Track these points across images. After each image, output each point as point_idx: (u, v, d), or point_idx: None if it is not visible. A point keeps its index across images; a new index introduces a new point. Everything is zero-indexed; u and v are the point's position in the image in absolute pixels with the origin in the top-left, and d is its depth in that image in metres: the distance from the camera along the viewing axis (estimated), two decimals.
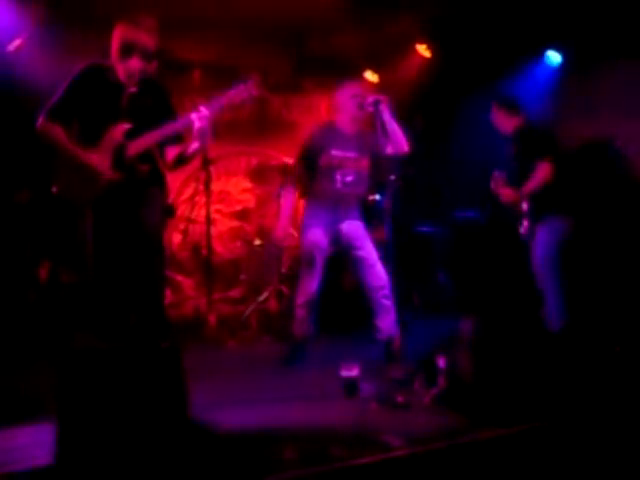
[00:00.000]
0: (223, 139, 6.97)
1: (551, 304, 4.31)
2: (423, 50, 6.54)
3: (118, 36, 3.24)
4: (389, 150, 4.02)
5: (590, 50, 5.65)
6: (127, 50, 3.22)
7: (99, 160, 3.19)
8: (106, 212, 3.25)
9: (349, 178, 4.17)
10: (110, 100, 3.25)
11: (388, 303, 4.08)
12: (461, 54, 6.30)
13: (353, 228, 4.21)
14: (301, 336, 4.17)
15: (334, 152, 4.13)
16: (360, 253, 4.14)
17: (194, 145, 3.39)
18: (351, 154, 4.17)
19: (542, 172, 4.29)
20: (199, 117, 3.26)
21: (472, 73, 6.37)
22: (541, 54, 6.30)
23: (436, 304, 6.24)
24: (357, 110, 4.07)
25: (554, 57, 6.23)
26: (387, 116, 3.92)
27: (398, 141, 4.04)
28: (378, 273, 4.10)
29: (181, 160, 3.49)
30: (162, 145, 3.38)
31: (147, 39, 3.23)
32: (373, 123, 3.89)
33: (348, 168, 4.16)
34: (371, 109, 3.90)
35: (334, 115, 4.27)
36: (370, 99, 3.91)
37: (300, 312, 4.16)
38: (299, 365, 4.08)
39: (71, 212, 3.39)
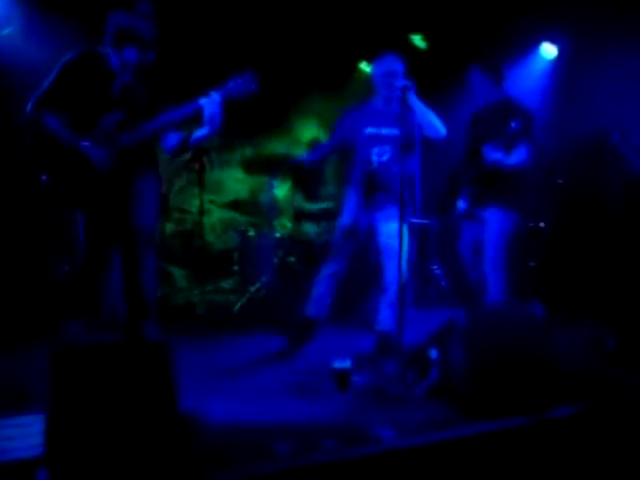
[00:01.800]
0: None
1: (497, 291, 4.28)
2: (418, 40, 6.52)
3: (113, 24, 3.17)
4: (426, 133, 3.87)
5: (585, 43, 5.65)
6: (122, 39, 3.14)
7: (94, 150, 3.13)
8: (97, 204, 3.20)
9: (385, 157, 4.06)
10: (103, 88, 3.19)
11: (394, 298, 3.96)
12: (455, 46, 6.29)
13: (387, 215, 4.05)
14: (314, 317, 4.08)
15: (369, 130, 4.04)
16: (390, 242, 3.98)
17: (203, 131, 3.32)
18: (387, 131, 4.03)
19: (520, 155, 4.11)
20: (210, 102, 3.20)
21: (465, 66, 6.36)
22: (536, 47, 6.30)
23: (429, 296, 6.25)
24: (388, 90, 3.95)
25: (549, 50, 6.22)
26: (415, 102, 3.79)
27: (431, 126, 3.91)
28: (396, 268, 3.91)
29: (184, 147, 3.42)
30: (160, 132, 3.33)
31: (144, 28, 3.16)
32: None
33: (384, 146, 4.04)
34: (399, 93, 3.76)
35: (373, 88, 4.10)
36: (399, 83, 3.77)
37: (321, 288, 4.08)
38: (301, 352, 4.05)
39: (61, 202, 3.34)
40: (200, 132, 3.33)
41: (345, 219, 4.12)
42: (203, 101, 3.20)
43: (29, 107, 3.15)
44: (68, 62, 3.17)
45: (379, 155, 4.05)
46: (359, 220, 4.10)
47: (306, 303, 4.15)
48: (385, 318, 4.08)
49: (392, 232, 3.96)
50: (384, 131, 4.05)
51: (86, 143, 3.13)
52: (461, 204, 4.36)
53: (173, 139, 3.38)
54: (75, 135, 3.13)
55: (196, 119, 3.29)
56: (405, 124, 3.81)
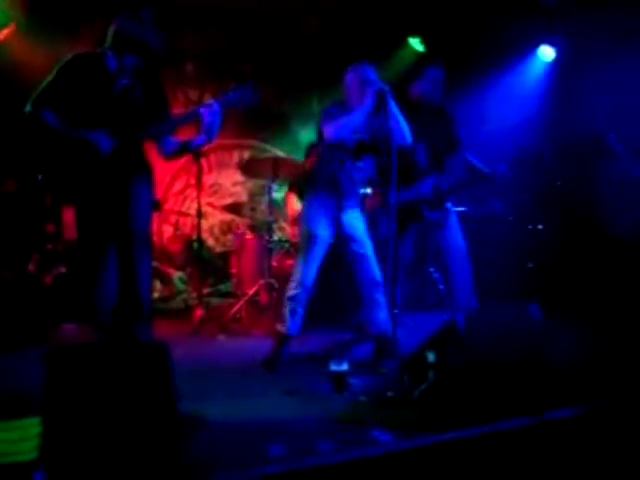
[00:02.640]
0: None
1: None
2: (416, 44, 6.53)
3: (118, 28, 3.18)
4: (397, 140, 3.82)
5: (583, 45, 5.66)
6: (125, 46, 3.16)
7: (95, 134, 3.13)
8: (93, 204, 3.21)
9: (360, 163, 4.07)
10: (101, 90, 3.20)
11: (382, 299, 4.01)
12: (453, 49, 6.29)
13: (354, 219, 4.08)
14: (284, 334, 3.97)
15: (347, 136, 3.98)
16: (358, 247, 4.02)
17: (201, 139, 3.36)
18: (357, 137, 4.03)
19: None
20: (210, 112, 3.23)
21: (464, 69, 6.37)
22: (534, 50, 6.31)
23: (426, 298, 6.24)
24: (363, 97, 3.88)
25: (547, 53, 6.24)
26: (391, 108, 3.79)
27: (402, 133, 3.89)
28: (374, 269, 4.02)
29: (182, 151, 3.47)
30: (160, 135, 3.36)
31: (152, 39, 3.18)
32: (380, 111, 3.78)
33: (360, 152, 4.04)
34: (376, 99, 3.77)
35: (345, 98, 4.09)
36: (375, 88, 3.78)
37: (292, 305, 3.95)
38: (279, 367, 3.94)
39: (58, 201, 3.36)
40: (198, 140, 3.38)
41: (314, 227, 4.00)
42: (203, 110, 3.23)
43: (28, 107, 3.17)
44: (67, 63, 3.19)
45: (355, 159, 4.04)
46: (328, 228, 4.02)
47: (282, 319, 4.00)
48: (376, 321, 4.04)
49: (358, 234, 4.04)
50: (354, 137, 4.03)
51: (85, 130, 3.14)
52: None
53: (171, 144, 3.42)
54: (74, 127, 3.15)
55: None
56: (379, 128, 3.90)
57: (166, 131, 3.32)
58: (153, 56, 3.23)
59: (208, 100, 3.32)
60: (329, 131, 3.90)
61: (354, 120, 3.85)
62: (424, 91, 4.42)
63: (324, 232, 3.99)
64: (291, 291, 3.98)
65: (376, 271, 4.03)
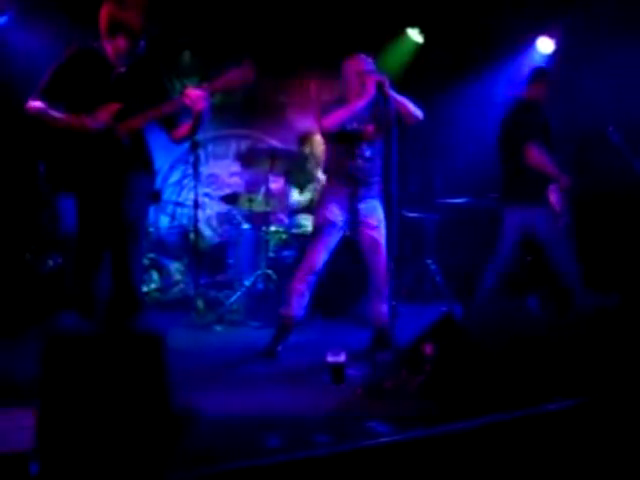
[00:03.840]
0: (212, 122, 6.93)
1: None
2: (415, 35, 6.50)
3: (105, 15, 3.19)
4: (408, 120, 3.94)
5: (581, 37, 5.64)
6: (113, 29, 3.16)
7: (89, 118, 3.13)
8: (90, 195, 3.21)
9: (368, 153, 4.09)
10: (98, 81, 3.21)
11: (386, 291, 4.04)
12: (452, 40, 6.28)
13: (371, 208, 4.12)
14: (289, 318, 4.01)
15: (349, 126, 4.03)
16: (374, 235, 4.07)
17: (191, 124, 3.34)
18: (367, 127, 4.08)
19: None
20: (198, 97, 3.18)
21: (463, 60, 6.36)
22: (532, 42, 6.29)
23: (424, 291, 6.25)
24: (361, 88, 3.92)
25: (545, 45, 6.21)
26: (392, 95, 3.81)
27: (410, 113, 3.94)
28: (384, 260, 4.05)
29: (189, 133, 3.40)
30: (173, 119, 3.32)
31: (133, 18, 3.17)
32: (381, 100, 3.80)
33: (365, 142, 4.07)
34: (376, 88, 3.77)
35: (343, 89, 4.12)
36: (373, 80, 3.78)
37: (297, 286, 4.00)
38: (280, 353, 3.99)
39: (57, 191, 3.35)
40: (181, 128, 3.33)
41: (328, 214, 4.07)
42: (192, 96, 3.18)
43: (28, 103, 3.17)
44: (63, 60, 3.23)
45: (361, 150, 4.06)
46: (342, 215, 4.06)
47: (288, 302, 4.04)
48: (378, 311, 4.09)
49: (375, 225, 4.07)
50: (362, 127, 4.08)
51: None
52: None
53: (184, 127, 3.37)
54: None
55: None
56: (383, 118, 3.91)
57: (154, 117, 3.25)
58: (138, 35, 3.19)
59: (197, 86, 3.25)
60: (328, 121, 3.93)
61: (353, 109, 3.89)
62: (540, 93, 4.50)
63: (338, 220, 4.05)
64: (300, 275, 4.03)
65: (385, 262, 4.05)
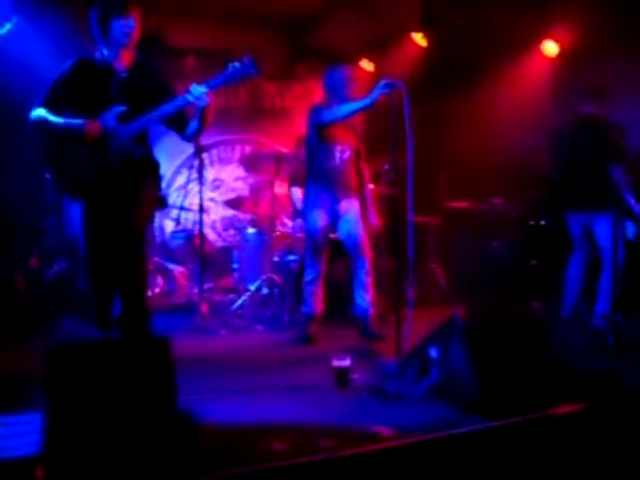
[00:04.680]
0: (217, 126, 6.94)
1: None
2: (419, 39, 6.50)
3: (92, 15, 3.19)
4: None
5: (586, 40, 5.63)
6: (103, 19, 3.16)
7: (95, 121, 3.14)
8: (97, 201, 3.21)
9: (347, 154, 4.37)
10: (101, 87, 3.22)
11: (368, 280, 4.33)
12: (457, 43, 6.27)
13: (349, 206, 4.40)
14: (312, 313, 4.40)
15: (332, 130, 4.29)
16: (352, 228, 4.36)
17: (193, 125, 3.33)
18: (346, 130, 4.39)
19: None
20: (198, 96, 3.17)
21: (468, 62, 6.35)
22: (537, 45, 6.28)
23: (429, 295, 6.24)
24: (347, 94, 4.22)
25: (550, 48, 6.21)
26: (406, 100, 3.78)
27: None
28: (364, 251, 4.35)
29: (198, 130, 3.39)
30: (183, 119, 3.32)
31: (115, 1, 3.16)
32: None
33: (345, 144, 4.36)
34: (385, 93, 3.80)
35: (326, 96, 4.44)
36: (390, 84, 3.79)
37: (310, 288, 4.42)
38: (303, 346, 4.32)
39: (64, 197, 3.37)
40: (191, 127, 3.33)
41: (313, 219, 4.36)
42: (190, 96, 3.17)
43: (34, 113, 3.18)
44: (65, 70, 3.25)
45: (341, 152, 4.35)
46: (327, 215, 4.36)
47: (306, 301, 4.48)
48: (360, 302, 4.36)
49: (353, 218, 4.37)
50: (343, 130, 4.39)
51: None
52: None
53: (193, 124, 3.36)
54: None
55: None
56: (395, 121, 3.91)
57: (156, 119, 3.24)
58: (126, 11, 3.18)
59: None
60: (329, 115, 4.19)
61: (351, 109, 4.09)
62: (599, 111, 4.77)
63: (321, 223, 4.35)
64: (308, 277, 4.46)
65: (366, 253, 4.35)
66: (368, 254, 4.37)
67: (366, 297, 4.34)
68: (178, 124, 3.35)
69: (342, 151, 4.35)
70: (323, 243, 4.40)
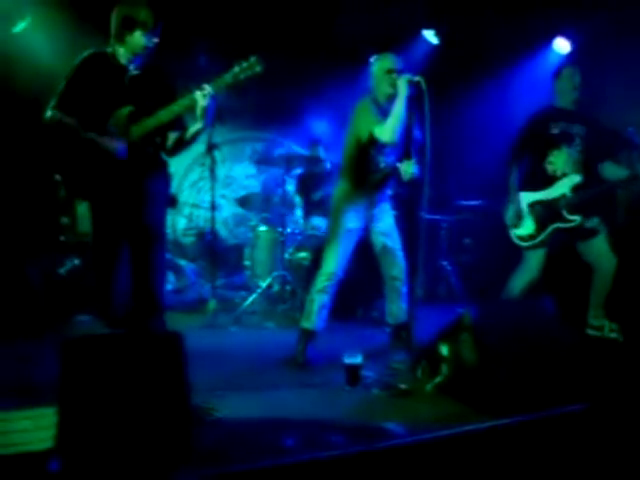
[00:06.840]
0: (228, 124, 6.97)
1: None
2: (431, 36, 6.49)
3: (118, 15, 3.21)
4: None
5: (598, 37, 5.60)
6: (128, 25, 3.18)
7: (113, 142, 3.16)
8: (107, 200, 3.22)
9: (391, 158, 4.02)
10: (113, 84, 3.22)
11: (404, 290, 4.08)
12: (468, 40, 6.26)
13: (384, 213, 4.13)
14: (311, 330, 3.94)
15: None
16: (387, 240, 4.08)
17: (197, 125, 3.34)
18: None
19: None
20: (203, 95, 3.20)
21: (479, 60, 6.33)
22: (549, 42, 6.25)
23: (440, 292, 6.24)
24: (389, 88, 3.85)
25: (562, 45, 6.18)
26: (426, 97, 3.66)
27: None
28: (400, 262, 4.07)
29: (180, 143, 3.42)
30: (166, 129, 3.35)
31: (145, 12, 3.19)
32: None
33: (390, 147, 3.94)
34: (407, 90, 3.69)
35: (372, 88, 3.99)
36: (405, 80, 3.69)
37: (319, 298, 3.92)
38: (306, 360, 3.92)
39: (74, 198, 3.37)
40: (193, 127, 3.34)
41: (348, 222, 3.99)
42: (197, 94, 3.19)
43: (47, 114, 3.19)
44: (77, 66, 3.23)
45: (386, 155, 3.99)
46: (359, 222, 4.03)
47: (310, 317, 3.96)
48: (396, 311, 4.11)
49: (389, 228, 4.10)
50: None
51: (105, 138, 3.17)
52: None
53: (170, 139, 3.39)
54: (93, 132, 3.18)
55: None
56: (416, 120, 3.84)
57: (164, 117, 3.21)
58: (152, 31, 3.20)
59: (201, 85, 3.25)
60: (385, 136, 3.75)
61: (399, 115, 3.72)
62: None
63: (356, 225, 4.01)
64: (321, 283, 3.94)
65: (402, 264, 4.09)
66: (404, 265, 4.08)
67: (402, 307, 4.08)
68: (179, 126, 3.37)
69: (387, 154, 3.99)
70: (349, 248, 3.99)
